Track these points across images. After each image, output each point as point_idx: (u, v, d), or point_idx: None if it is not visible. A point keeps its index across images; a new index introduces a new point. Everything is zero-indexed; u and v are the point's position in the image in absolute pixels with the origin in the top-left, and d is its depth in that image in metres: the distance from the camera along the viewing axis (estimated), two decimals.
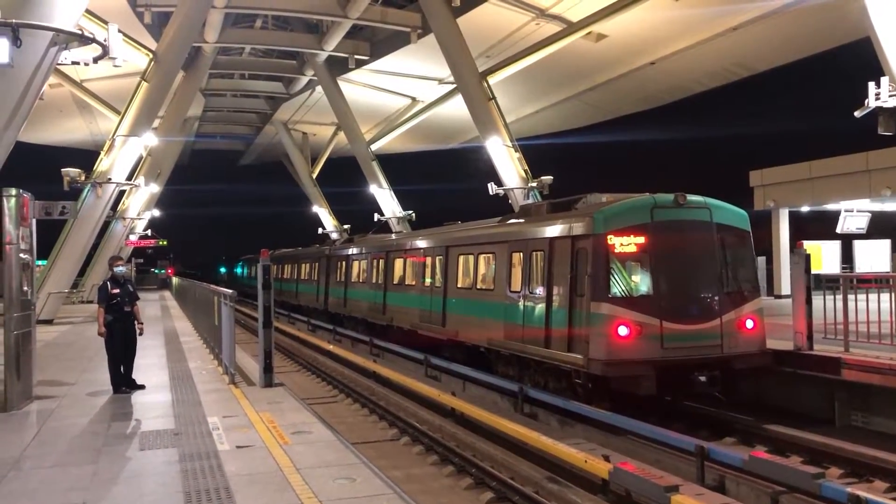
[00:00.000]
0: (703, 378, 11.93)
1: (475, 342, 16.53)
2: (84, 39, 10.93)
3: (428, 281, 19.60)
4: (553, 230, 13.74)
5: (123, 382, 11.45)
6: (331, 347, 22.46)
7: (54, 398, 10.95)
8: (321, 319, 30.83)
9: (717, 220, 12.97)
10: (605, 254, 12.24)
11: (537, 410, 13.77)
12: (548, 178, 28.88)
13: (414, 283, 20.66)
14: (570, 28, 29.66)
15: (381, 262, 23.49)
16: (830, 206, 25.47)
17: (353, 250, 27.85)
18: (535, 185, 28.97)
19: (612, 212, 12.78)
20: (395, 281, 22.22)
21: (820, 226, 28.93)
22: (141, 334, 11.80)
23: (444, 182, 68.47)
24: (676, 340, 12.00)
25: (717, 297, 12.52)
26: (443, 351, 18.57)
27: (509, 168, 29.59)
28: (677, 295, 12.42)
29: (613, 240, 12.28)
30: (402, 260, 21.97)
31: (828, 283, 14.61)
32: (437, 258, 19.10)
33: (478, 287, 16.82)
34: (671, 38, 32.23)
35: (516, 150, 29.81)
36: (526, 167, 29.57)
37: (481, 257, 16.81)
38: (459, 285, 17.75)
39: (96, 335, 11.47)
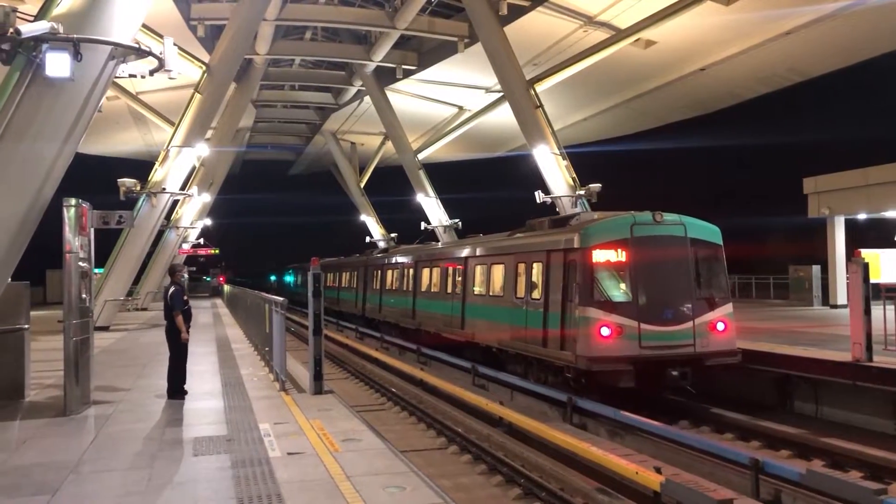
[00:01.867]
0: (675, 373, 13.54)
1: (488, 343, 18.37)
2: (141, 53, 11.20)
3: (449, 289, 21.61)
4: (549, 244, 15.78)
5: (180, 388, 11.67)
6: (377, 354, 22.60)
7: (111, 403, 11.19)
8: (359, 324, 32.83)
9: (690, 234, 14.72)
10: (590, 265, 14.16)
11: (586, 421, 13.65)
12: (596, 186, 28.64)
13: (437, 290, 22.70)
14: (619, 35, 29.42)
15: (411, 271, 25.79)
16: (889, 214, 24.77)
17: (386, 261, 30.40)
18: (582, 192, 28.75)
19: (597, 228, 14.78)
20: (423, 288, 24.30)
21: (877, 234, 28.14)
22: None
23: (490, 190, 68.43)
24: (653, 340, 13.70)
25: (689, 303, 14.16)
26: (463, 351, 20.18)
27: (557, 176, 29.42)
28: (654, 300, 14.05)
29: (597, 252, 14.20)
30: (427, 269, 24.18)
31: (887, 293, 14.21)
32: (457, 268, 21.25)
33: (490, 294, 18.78)
34: (722, 43, 31.76)
35: (564, 158, 29.63)
36: (574, 175, 29.37)
37: (493, 267, 18.73)
38: (476, 292, 19.82)
39: (151, 342, 11.76)
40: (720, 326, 14.25)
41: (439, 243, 31.10)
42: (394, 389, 17.42)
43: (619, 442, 11.92)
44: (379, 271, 30.96)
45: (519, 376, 16.59)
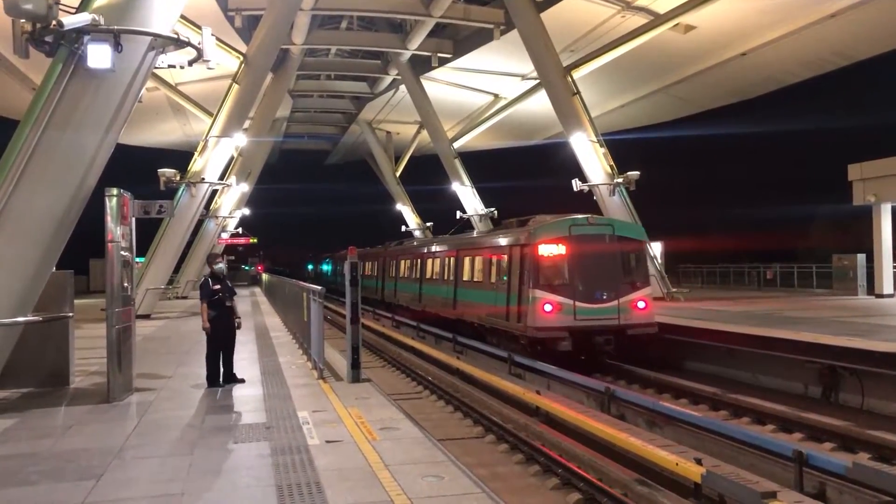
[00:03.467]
0: (601, 339, 17.62)
1: (472, 319, 22.34)
2: (179, 43, 11.26)
3: (445, 276, 25.53)
4: (511, 240, 19.79)
5: (224, 377, 11.79)
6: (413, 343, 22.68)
7: (152, 391, 11.36)
8: (379, 308, 36.18)
9: (618, 233, 18.85)
10: (536, 256, 18.13)
11: (624, 411, 13.54)
12: (634, 174, 28.33)
13: (437, 278, 26.63)
14: (657, 20, 28.99)
15: (418, 261, 29.83)
16: None
17: (399, 252, 34.83)
18: (620, 180, 28.45)
19: (543, 228, 18.87)
20: (427, 276, 28.10)
21: None
22: (239, 328, 12.15)
23: (527, 179, 68.06)
24: (585, 314, 17.68)
25: (615, 286, 18.03)
26: (456, 327, 23.71)
27: (594, 164, 29.15)
28: (586, 283, 17.98)
29: (542, 247, 18.17)
30: (430, 260, 27.96)
31: None
32: (451, 259, 25.11)
33: (474, 280, 22.71)
34: (763, 27, 31.10)
35: (601, 146, 29.33)
36: (611, 163, 29.07)
37: (476, 259, 22.70)
38: (464, 279, 23.65)
39: (191, 330, 11.91)
40: (640, 305, 18.18)
41: (440, 238, 35.05)
42: (430, 378, 17.45)
43: (657, 433, 11.79)
44: (394, 261, 35.06)
45: (493, 346, 20.33)
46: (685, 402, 14.54)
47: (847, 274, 28.93)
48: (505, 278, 19.57)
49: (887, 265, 25.06)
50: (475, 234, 26.41)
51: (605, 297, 17.90)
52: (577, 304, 17.63)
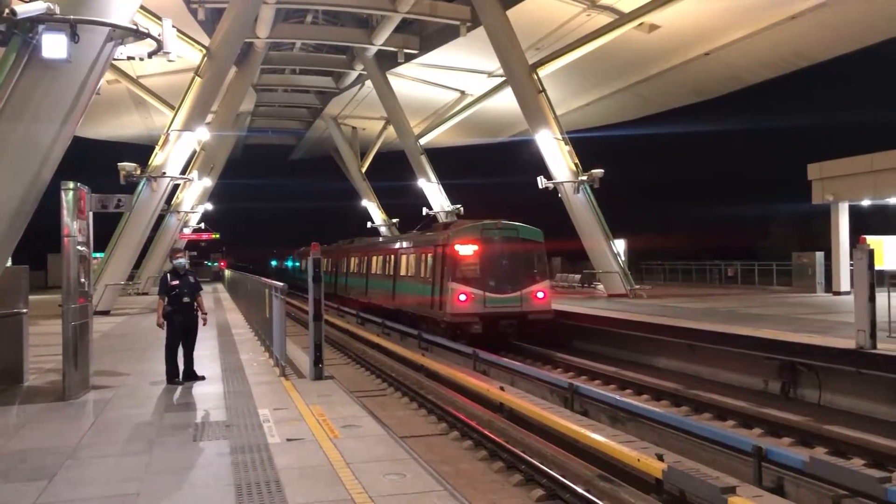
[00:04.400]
0: (506, 323, 21.04)
1: (407, 309, 25.40)
2: (139, 35, 11.06)
3: (386, 272, 28.67)
4: (435, 241, 23.15)
5: (184, 374, 11.59)
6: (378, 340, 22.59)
7: (110, 388, 11.14)
8: (332, 301, 37.41)
9: (521, 235, 22.03)
10: (453, 254, 21.43)
11: (588, 407, 13.61)
12: (598, 172, 28.50)
13: (380, 273, 29.76)
14: (622, 19, 29.20)
15: (365, 258, 33.06)
16: (894, 200, 24.61)
17: (350, 250, 37.69)
18: (585, 178, 28.62)
19: (459, 230, 22.43)
20: (372, 271, 31.35)
21: (880, 220, 27.98)
22: (204, 324, 11.94)
23: (493, 176, 68.21)
24: (493, 303, 20.96)
25: (518, 279, 21.32)
26: (396, 316, 26.78)
27: (559, 161, 29.28)
28: (494, 277, 21.27)
29: (458, 246, 21.51)
30: (374, 257, 31.37)
31: (892, 280, 14.14)
32: (391, 256, 28.28)
33: (407, 275, 25.75)
34: (727, 27, 31.49)
35: (566, 143, 29.48)
36: (576, 160, 29.22)
37: (409, 256, 25.90)
38: (401, 274, 26.66)
39: (152, 326, 11.69)
40: (540, 294, 21.46)
41: (383, 238, 39.53)
42: (395, 375, 17.38)
43: (620, 429, 11.86)
44: (345, 259, 38.10)
45: (426, 331, 22.77)
46: (647, 398, 14.67)
47: (806, 271, 29.44)
48: (430, 273, 23.04)
49: (844, 263, 25.52)
50: (410, 235, 30.36)
51: (510, 289, 21.22)
52: (487, 294, 21.06)
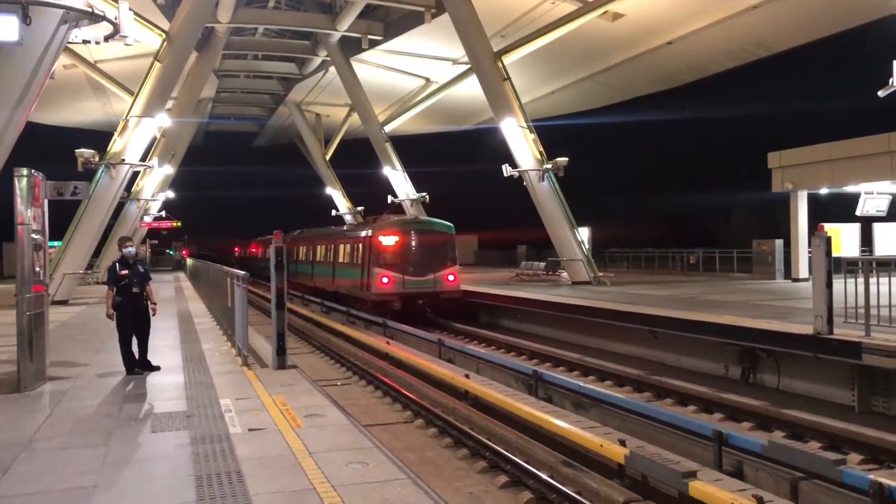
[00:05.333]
0: (421, 302, 25.28)
1: (343, 291, 29.63)
2: (94, 17, 10.79)
3: (328, 258, 32.55)
4: (364, 232, 27.80)
5: (137, 364, 11.39)
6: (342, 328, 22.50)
7: (67, 379, 10.92)
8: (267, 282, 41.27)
9: (435, 228, 26.80)
10: (378, 244, 25.84)
11: (552, 393, 13.69)
12: (563, 160, 28.58)
13: (323, 260, 33.56)
14: (586, 7, 29.25)
15: (311, 247, 36.79)
16: (850, 189, 25.07)
17: (299, 239, 41.35)
18: (549, 166, 28.69)
19: (383, 223, 27.50)
20: (317, 259, 34.98)
21: (838, 209, 28.52)
22: (153, 314, 11.70)
23: (459, 164, 68.19)
24: (410, 284, 25.03)
25: (431, 264, 25.51)
26: (336, 297, 30.46)
27: (524, 149, 29.31)
28: (412, 263, 25.40)
29: (381, 237, 25.93)
30: (319, 246, 35.05)
31: (848, 267, 14.39)
32: (332, 246, 32.30)
33: (344, 262, 29.99)
34: (689, 17, 31.73)
35: (531, 132, 29.51)
36: (541, 148, 29.28)
37: (346, 246, 30.15)
38: (339, 261, 30.73)
39: (107, 316, 11.37)
40: (450, 277, 25.70)
41: (325, 230, 41.19)
42: (359, 363, 17.30)
43: (584, 415, 11.93)
44: (295, 248, 40.67)
45: (357, 309, 26.72)
46: (610, 384, 14.81)
47: (766, 258, 29.88)
48: (360, 260, 27.16)
49: (803, 250, 25.95)
50: (345, 228, 36.34)
51: (424, 273, 25.28)
52: (405, 277, 25.13)
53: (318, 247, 35.30)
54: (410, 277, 25.05)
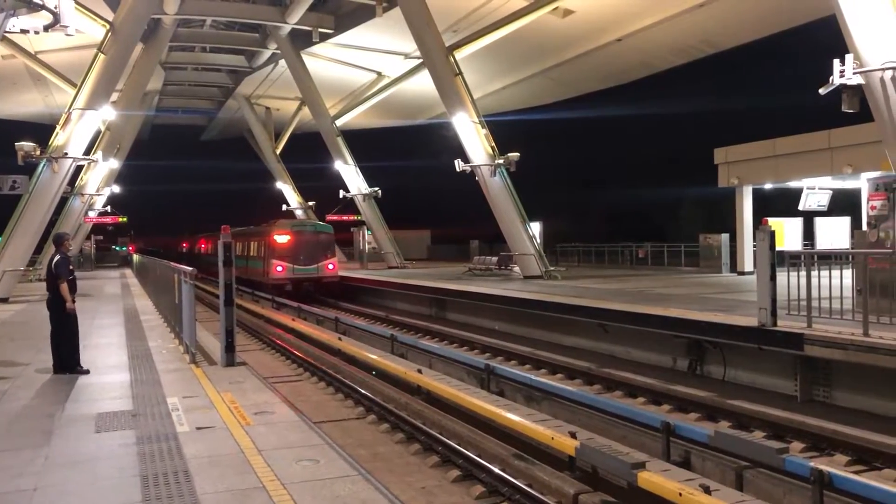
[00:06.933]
0: (307, 284, 32.86)
1: (252, 278, 36.41)
2: (32, 6, 10.43)
3: (243, 253, 38.35)
4: (263, 232, 36.25)
5: (72, 364, 11.05)
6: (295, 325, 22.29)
7: (7, 379, 10.60)
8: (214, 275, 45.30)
9: (318, 230, 35.25)
10: (273, 242, 33.91)
11: (504, 387, 13.75)
12: (514, 155, 28.67)
13: (239, 254, 37.13)
14: (537, 3, 29.35)
15: (243, 243, 40.22)
16: (793, 184, 25.68)
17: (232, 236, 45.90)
18: (501, 161, 28.79)
19: (278, 226, 35.93)
20: (238, 253, 37.76)
21: (782, 203, 29.21)
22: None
23: (412, 158, 68.09)
24: (298, 272, 32.96)
25: (315, 256, 33.43)
26: (249, 284, 36.92)
27: (476, 145, 29.34)
28: (300, 255, 33.24)
29: (276, 236, 33.94)
30: (238, 244, 37.76)
31: (791, 260, 14.76)
32: (245, 243, 38.85)
33: (253, 255, 37.39)
34: (638, 14, 32.13)
35: (483, 127, 29.55)
36: (493, 144, 29.35)
37: (254, 243, 37.64)
38: (249, 255, 37.64)
39: (49, 316, 11.04)
40: (330, 266, 33.83)
41: (244, 229, 44.56)
42: (311, 360, 17.15)
43: (535, 408, 12.03)
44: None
45: (261, 291, 34.60)
46: (561, 376, 14.94)
47: (712, 252, 30.45)
48: (264, 253, 35.03)
49: (748, 244, 26.48)
50: (254, 229, 41.43)
51: (309, 262, 33.46)
52: (294, 266, 33.24)
53: (237, 244, 38.21)
54: (299, 266, 33.27)
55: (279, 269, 33.08)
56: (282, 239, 33.96)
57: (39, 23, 11.29)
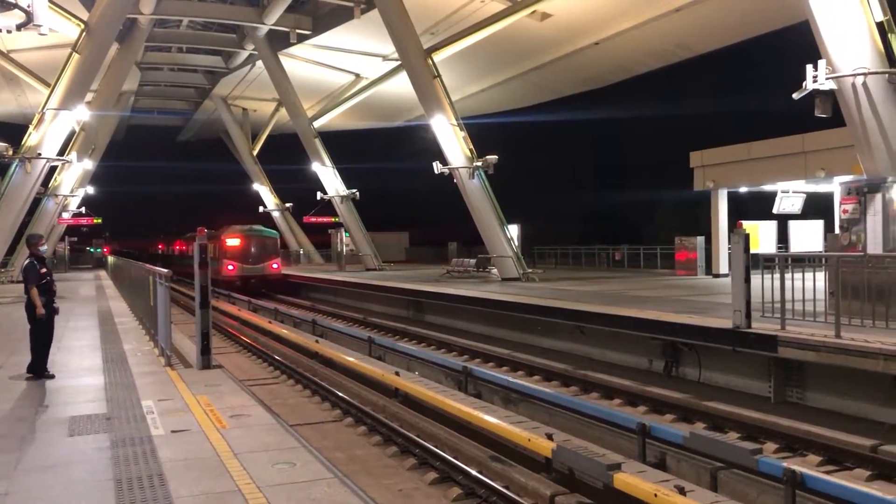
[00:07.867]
0: (254, 281, 39.31)
1: (219, 278, 37.92)
2: (5, 5, 10.27)
3: (210, 255, 37.58)
4: (218, 235, 40.53)
5: (42, 369, 10.89)
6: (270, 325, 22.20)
7: None
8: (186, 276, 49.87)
9: (264, 234, 42.20)
10: (226, 245, 40.22)
11: (481, 389, 13.77)
12: (493, 158, 28.73)
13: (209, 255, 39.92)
14: (515, 6, 29.50)
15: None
16: (768, 188, 25.95)
17: (190, 240, 47.60)
18: (479, 164, 28.85)
19: (229, 231, 41.24)
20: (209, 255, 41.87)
21: (757, 206, 29.50)
22: (57, 314, 11.31)
23: (390, 160, 67.98)
24: (247, 270, 39.63)
25: (261, 257, 40.42)
26: (215, 283, 37.05)
27: (454, 147, 29.39)
28: (250, 256, 40.21)
29: (228, 240, 40.44)
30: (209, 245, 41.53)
31: (765, 263, 14.92)
32: (210, 245, 41.62)
33: (214, 256, 37.05)
34: (615, 18, 32.38)
35: (461, 129, 29.60)
36: (471, 146, 29.40)
37: (215, 244, 38.73)
38: (217, 257, 39.25)
39: (26, 317, 10.89)
40: (274, 265, 40.52)
41: (211, 231, 47.42)
42: (288, 363, 17.06)
43: (512, 410, 12.06)
44: (188, 245, 47.54)
45: (216, 287, 32.54)
46: (539, 378, 14.99)
47: (689, 256, 30.67)
48: (218, 255, 38.49)
49: (723, 247, 26.72)
50: (213, 233, 42.86)
51: (256, 262, 39.61)
52: (243, 265, 39.23)
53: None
54: (247, 265, 39.52)
55: (230, 267, 39.19)
56: (233, 242, 40.10)
57: (12, 21, 11.12)
